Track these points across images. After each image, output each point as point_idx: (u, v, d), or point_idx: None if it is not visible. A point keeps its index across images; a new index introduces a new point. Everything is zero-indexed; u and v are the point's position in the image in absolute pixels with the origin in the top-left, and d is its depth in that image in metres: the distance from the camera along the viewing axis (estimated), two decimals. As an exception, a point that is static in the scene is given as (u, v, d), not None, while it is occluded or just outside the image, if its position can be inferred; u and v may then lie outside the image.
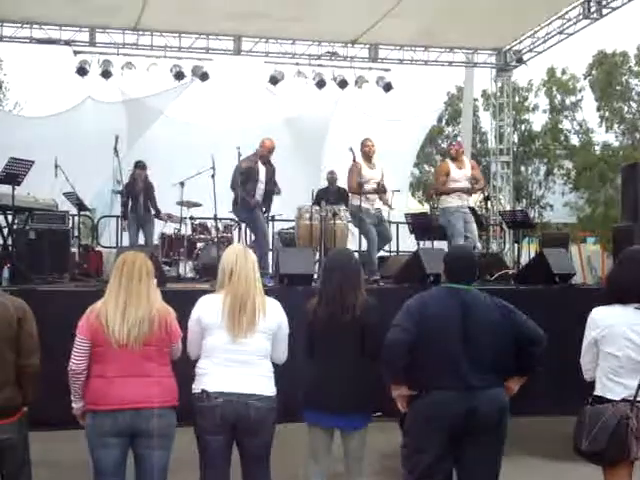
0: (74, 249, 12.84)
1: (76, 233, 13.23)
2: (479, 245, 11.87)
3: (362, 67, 17.43)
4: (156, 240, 13.44)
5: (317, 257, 11.41)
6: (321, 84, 17.09)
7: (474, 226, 11.52)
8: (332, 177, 13.61)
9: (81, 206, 12.92)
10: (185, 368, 5.05)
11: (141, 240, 13.00)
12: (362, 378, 5.22)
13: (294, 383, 5.24)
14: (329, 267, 5.54)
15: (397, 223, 14.37)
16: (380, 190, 11.44)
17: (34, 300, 5.26)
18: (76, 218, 13.15)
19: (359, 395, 5.22)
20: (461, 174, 11.58)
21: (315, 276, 10.04)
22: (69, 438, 6.24)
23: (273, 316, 5.03)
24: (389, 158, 17.68)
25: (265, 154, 11.42)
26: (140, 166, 13.12)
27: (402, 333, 4.80)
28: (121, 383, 4.67)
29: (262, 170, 11.37)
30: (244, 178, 11.15)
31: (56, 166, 12.19)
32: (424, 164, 34.99)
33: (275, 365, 5.07)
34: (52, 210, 12.01)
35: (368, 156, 11.59)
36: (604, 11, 14.73)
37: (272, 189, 11.56)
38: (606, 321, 4.54)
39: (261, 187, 11.36)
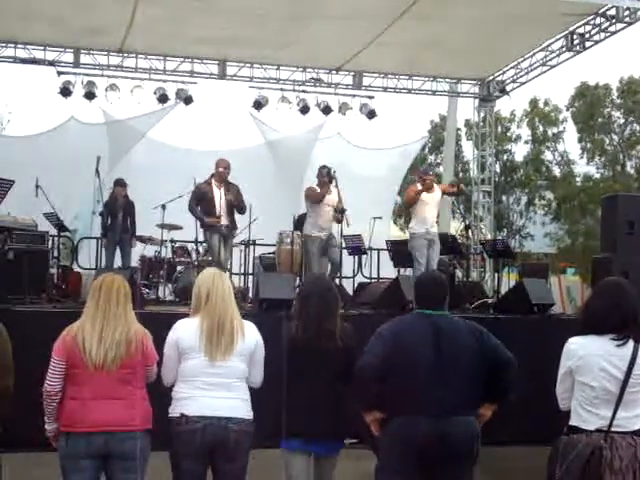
0: (53, 270, 12.75)
1: (55, 254, 13.16)
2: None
3: (346, 94, 17.48)
4: (136, 262, 13.40)
5: (297, 282, 11.39)
6: (305, 110, 17.12)
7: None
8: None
9: (61, 227, 12.86)
10: (159, 392, 5.01)
11: (118, 260, 12.91)
12: (341, 404, 5.20)
13: (267, 408, 5.20)
14: (307, 293, 5.53)
15: (378, 250, 14.38)
16: (337, 214, 11.37)
17: (10, 320, 5.23)
18: (56, 239, 13.09)
19: (338, 421, 5.20)
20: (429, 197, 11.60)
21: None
22: (42, 460, 6.18)
23: (250, 338, 5.03)
24: (372, 185, 17.81)
25: (219, 173, 11.45)
26: (120, 184, 13.07)
27: (373, 359, 4.82)
28: (96, 405, 4.64)
29: (217, 190, 11.38)
30: (197, 200, 11.35)
31: (37, 186, 12.15)
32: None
33: (249, 389, 5.06)
34: (32, 230, 11.94)
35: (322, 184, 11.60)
36: (587, 44, 14.85)
37: (234, 207, 11.58)
38: (582, 351, 4.55)
39: (217, 206, 11.36)
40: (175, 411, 4.86)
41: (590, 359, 4.50)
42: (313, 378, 5.18)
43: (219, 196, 11.32)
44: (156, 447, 4.81)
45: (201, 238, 11.92)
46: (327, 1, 12.87)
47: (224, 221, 11.34)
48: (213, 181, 11.43)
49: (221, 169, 11.44)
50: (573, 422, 4.57)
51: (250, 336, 5.04)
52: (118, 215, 12.78)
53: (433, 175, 12.37)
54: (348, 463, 5.52)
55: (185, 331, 4.94)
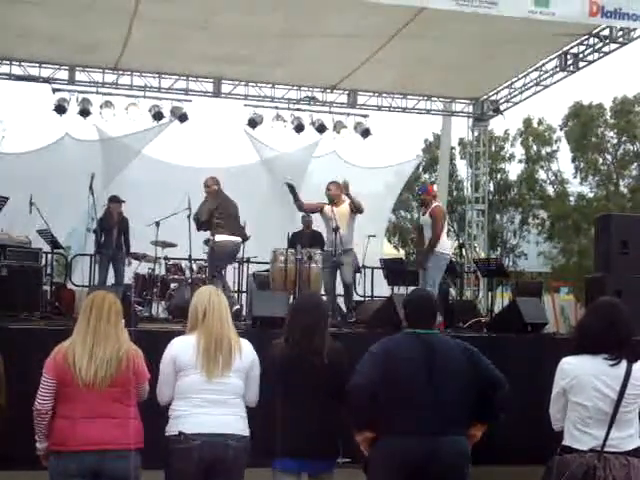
0: (46, 287, 12.73)
1: (49, 271, 13.14)
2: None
3: (341, 112, 17.52)
4: (129, 279, 13.38)
5: (291, 300, 11.38)
6: (299, 128, 17.14)
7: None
8: (307, 221, 13.60)
9: (55, 244, 12.85)
10: (151, 411, 4.99)
11: (111, 277, 12.89)
12: (331, 422, 5.17)
13: (258, 426, 5.17)
14: (296, 309, 5.54)
15: (372, 268, 14.37)
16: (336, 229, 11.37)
17: (3, 338, 5.22)
18: (49, 256, 13.07)
19: (328, 439, 5.18)
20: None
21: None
22: (33, 478, 6.13)
23: (247, 356, 5.04)
24: (366, 203, 17.78)
25: (209, 191, 11.56)
26: (115, 200, 13.06)
27: (364, 379, 4.83)
28: (87, 424, 4.62)
29: None
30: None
31: (31, 203, 12.14)
32: (400, 210, 35.10)
33: (250, 407, 5.05)
34: (25, 247, 11.92)
35: (332, 199, 11.62)
36: (580, 64, 14.91)
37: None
38: (575, 371, 4.55)
39: None
40: (172, 429, 4.84)
41: (583, 379, 4.50)
42: (301, 395, 5.15)
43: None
44: (148, 465, 4.79)
45: (200, 256, 12.01)
46: (322, 20, 12.91)
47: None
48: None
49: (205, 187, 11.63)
50: (566, 442, 4.56)
51: (247, 354, 5.05)
52: (112, 232, 12.79)
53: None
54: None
55: (182, 348, 4.94)
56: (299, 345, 5.21)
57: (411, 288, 12.63)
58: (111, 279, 12.90)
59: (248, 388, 5.05)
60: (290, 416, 5.14)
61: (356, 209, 11.49)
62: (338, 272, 11.69)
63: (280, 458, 5.17)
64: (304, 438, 5.07)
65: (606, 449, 4.42)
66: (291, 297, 11.38)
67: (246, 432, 4.96)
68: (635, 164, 32.36)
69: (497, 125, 32.28)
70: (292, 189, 11.60)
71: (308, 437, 5.07)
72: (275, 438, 5.16)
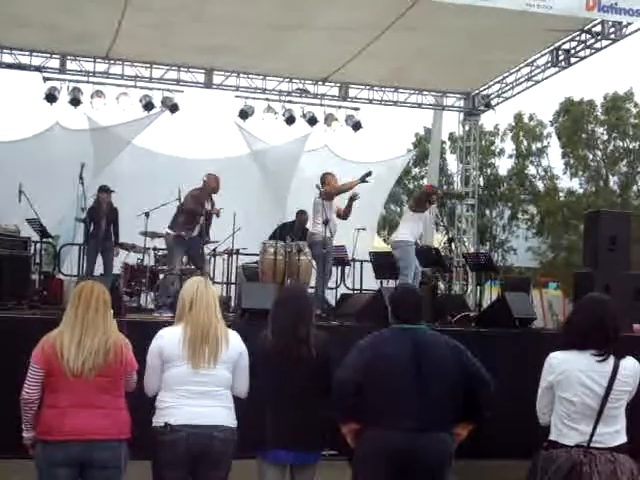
0: (35, 276, 12.70)
1: (37, 260, 13.10)
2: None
3: (332, 105, 17.51)
4: (118, 269, 13.35)
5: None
6: (291, 120, 17.12)
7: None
8: (303, 218, 13.51)
9: (44, 233, 12.80)
10: (138, 401, 4.98)
11: (99, 267, 12.85)
12: (317, 413, 5.16)
13: (244, 418, 5.16)
14: (281, 300, 5.52)
15: (361, 261, 14.37)
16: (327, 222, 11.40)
17: (-10, 326, 5.20)
18: (38, 245, 13.03)
19: (314, 430, 5.18)
20: None
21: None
22: (20, 467, 6.13)
23: (234, 346, 5.02)
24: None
25: (212, 189, 11.72)
26: (104, 190, 13.02)
27: (351, 373, 4.84)
28: (74, 414, 4.61)
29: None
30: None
31: (20, 192, 12.09)
32: (390, 203, 35.17)
33: (235, 399, 5.04)
34: (14, 236, 11.88)
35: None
36: (572, 60, 14.93)
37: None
38: (562, 366, 4.56)
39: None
40: (159, 420, 4.83)
41: (571, 374, 4.51)
42: (286, 386, 5.14)
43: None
44: (136, 456, 4.79)
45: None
46: (314, 12, 12.89)
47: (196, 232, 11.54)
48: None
49: (214, 185, 11.72)
50: (553, 437, 4.57)
51: (234, 344, 5.03)
52: (101, 222, 12.74)
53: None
54: (325, 474, 5.48)
55: (169, 339, 4.92)
56: (284, 335, 5.20)
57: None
58: (99, 269, 12.85)
59: (237, 379, 5.04)
60: (276, 407, 5.14)
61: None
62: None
63: (266, 449, 5.16)
64: (290, 429, 5.06)
65: (592, 445, 4.43)
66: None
67: (232, 424, 4.94)
68: (625, 161, 32.51)
69: (488, 120, 32.26)
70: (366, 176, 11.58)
71: (294, 428, 5.07)
72: (262, 429, 5.15)
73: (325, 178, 11.63)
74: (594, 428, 4.45)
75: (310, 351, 5.17)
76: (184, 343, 4.86)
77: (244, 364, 5.08)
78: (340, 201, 11.66)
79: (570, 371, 4.52)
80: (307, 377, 5.14)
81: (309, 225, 12.03)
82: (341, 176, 11.92)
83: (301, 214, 13.58)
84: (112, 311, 4.92)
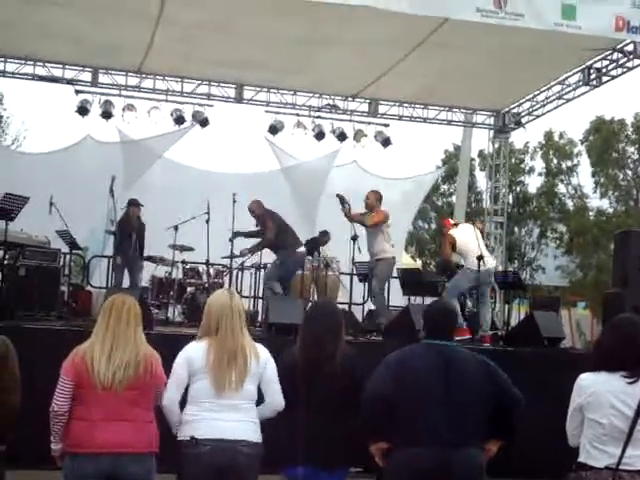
0: (64, 288, 12.78)
1: (67, 272, 13.18)
2: None
3: (361, 121, 17.52)
4: (146, 282, 13.41)
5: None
6: (320, 136, 17.15)
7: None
8: (323, 240, 13.64)
9: (73, 245, 12.89)
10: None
11: (127, 281, 12.91)
12: (344, 430, 5.13)
13: (267, 432, 5.14)
14: (310, 315, 5.52)
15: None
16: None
17: (19, 337, 5.23)
18: (68, 257, 13.11)
19: (342, 447, 5.15)
20: None
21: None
22: (48, 478, 6.15)
23: (262, 360, 5.00)
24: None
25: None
26: (134, 204, 13.09)
27: (378, 389, 4.81)
28: (103, 427, 4.63)
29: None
30: None
31: (51, 203, 12.20)
32: (418, 220, 35.08)
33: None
34: (44, 247, 11.99)
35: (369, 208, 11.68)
36: (603, 79, 14.87)
37: None
38: (592, 388, 4.52)
39: None
40: (184, 434, 4.83)
41: (600, 396, 4.47)
42: (314, 403, 5.10)
43: None
44: (161, 469, 4.79)
45: (218, 260, 12.16)
46: (344, 27, 12.90)
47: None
48: None
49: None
50: (582, 459, 4.54)
51: (262, 358, 5.01)
52: (131, 235, 12.81)
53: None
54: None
55: (196, 353, 4.91)
56: (312, 351, 5.19)
57: (428, 299, 12.75)
58: (128, 282, 12.91)
59: (267, 391, 5.01)
60: (304, 423, 5.08)
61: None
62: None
63: (293, 465, 5.14)
64: (318, 446, 5.03)
65: (621, 467, 4.39)
66: (308, 304, 11.45)
67: (258, 438, 4.93)
68: (655, 180, 32.21)
69: (517, 137, 32.16)
70: (342, 201, 11.64)
71: (322, 445, 5.03)
72: (288, 445, 5.13)
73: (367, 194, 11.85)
74: (623, 450, 4.40)
75: (336, 367, 5.15)
76: (208, 364, 4.84)
77: (271, 375, 5.04)
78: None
79: (600, 393, 4.48)
80: (334, 393, 5.12)
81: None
82: (370, 189, 12.00)
83: (324, 235, 13.68)
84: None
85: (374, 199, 11.77)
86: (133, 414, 4.71)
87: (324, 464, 5.11)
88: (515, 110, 17.81)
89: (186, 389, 4.91)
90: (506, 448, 4.98)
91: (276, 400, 5.05)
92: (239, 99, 16.87)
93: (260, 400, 5.05)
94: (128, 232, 12.76)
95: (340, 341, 5.29)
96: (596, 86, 15.20)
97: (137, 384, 4.71)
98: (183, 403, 4.92)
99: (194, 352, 4.93)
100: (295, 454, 5.08)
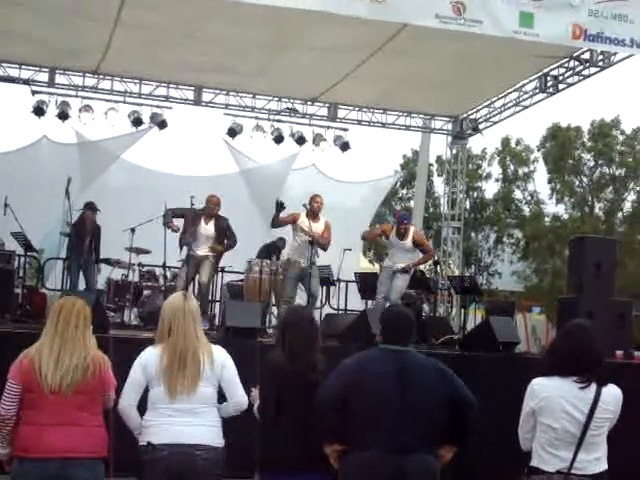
0: (18, 290, 12.62)
1: (21, 274, 13.03)
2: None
3: (320, 125, 17.54)
4: (102, 285, 13.30)
5: (263, 311, 11.40)
6: (279, 139, 17.14)
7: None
8: (282, 244, 13.69)
9: (28, 247, 12.75)
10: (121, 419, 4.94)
11: (82, 284, 12.78)
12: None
13: (237, 437, 5.12)
14: (291, 324, 5.40)
15: (347, 282, 14.37)
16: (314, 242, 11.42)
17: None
18: (22, 258, 12.96)
19: (317, 454, 5.10)
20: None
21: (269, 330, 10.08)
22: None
23: (217, 362, 4.94)
24: (343, 217, 17.81)
25: (210, 209, 11.68)
26: (91, 208, 12.96)
27: (332, 392, 4.80)
28: (51, 431, 4.57)
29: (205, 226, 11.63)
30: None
31: (5, 204, 12.06)
32: (376, 224, 35.16)
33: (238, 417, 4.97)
34: (-2, 249, 11.85)
35: (314, 212, 11.64)
36: (560, 86, 15.05)
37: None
38: (544, 392, 4.56)
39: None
40: (143, 439, 4.80)
41: (553, 400, 4.51)
42: (294, 410, 5.03)
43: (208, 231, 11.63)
44: (117, 474, 4.76)
45: (174, 263, 12.06)
46: (305, 32, 12.92)
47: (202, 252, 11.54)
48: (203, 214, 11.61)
49: (212, 206, 11.72)
50: (534, 463, 4.57)
51: (217, 359, 4.95)
52: (85, 238, 12.67)
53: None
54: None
55: (151, 360, 4.87)
56: (299, 360, 5.11)
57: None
58: (83, 284, 12.79)
59: (229, 389, 4.97)
60: (279, 429, 5.04)
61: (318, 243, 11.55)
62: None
63: (265, 471, 5.10)
64: (292, 453, 4.97)
65: (573, 471, 4.43)
66: (267, 308, 11.47)
67: (217, 443, 4.88)
68: (611, 187, 32.64)
69: (475, 143, 32.42)
70: (279, 207, 11.60)
71: (296, 452, 4.96)
72: (260, 450, 5.11)
73: (315, 198, 11.77)
74: (575, 455, 4.45)
75: (318, 377, 5.11)
76: (162, 369, 4.81)
77: (230, 375, 5.00)
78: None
79: (552, 397, 4.52)
80: (312, 400, 5.07)
81: None
82: (327, 195, 11.97)
83: (281, 241, 13.70)
84: (92, 327, 4.88)
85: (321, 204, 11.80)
86: (82, 418, 4.66)
87: (303, 469, 5.01)
88: (473, 116, 17.95)
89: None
90: (459, 453, 5.00)
91: (238, 399, 5.01)
92: (198, 101, 16.80)
93: (224, 400, 5.02)
94: (82, 235, 12.61)
95: (318, 350, 5.27)
96: (553, 93, 15.38)
97: (85, 388, 4.66)
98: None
99: (149, 358, 4.88)
100: (270, 459, 5.05)
